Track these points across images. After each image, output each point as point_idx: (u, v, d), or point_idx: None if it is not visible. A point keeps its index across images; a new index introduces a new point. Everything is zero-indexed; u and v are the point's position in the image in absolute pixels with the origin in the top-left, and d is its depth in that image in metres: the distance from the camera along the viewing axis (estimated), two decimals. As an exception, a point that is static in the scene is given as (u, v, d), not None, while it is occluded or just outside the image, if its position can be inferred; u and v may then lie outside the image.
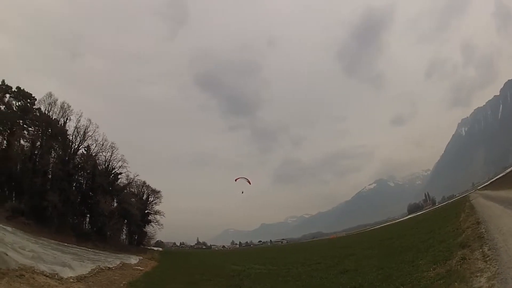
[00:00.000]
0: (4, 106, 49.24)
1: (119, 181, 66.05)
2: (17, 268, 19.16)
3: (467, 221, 23.11)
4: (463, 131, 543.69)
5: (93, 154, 58.12)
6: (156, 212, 75.71)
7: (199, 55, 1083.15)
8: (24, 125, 50.52)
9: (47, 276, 20.75)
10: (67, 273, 23.02)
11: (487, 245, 12.64)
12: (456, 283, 8.87)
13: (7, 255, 19.93)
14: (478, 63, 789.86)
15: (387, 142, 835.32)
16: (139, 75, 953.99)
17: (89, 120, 55.95)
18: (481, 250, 12.37)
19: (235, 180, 56.12)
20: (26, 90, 51.91)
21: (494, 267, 9.63)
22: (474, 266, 10.53)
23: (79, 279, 22.99)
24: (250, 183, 56.86)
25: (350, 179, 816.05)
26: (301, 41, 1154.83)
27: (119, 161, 63.11)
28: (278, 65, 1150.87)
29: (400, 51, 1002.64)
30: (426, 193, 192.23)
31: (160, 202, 76.61)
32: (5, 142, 47.90)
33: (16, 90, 50.98)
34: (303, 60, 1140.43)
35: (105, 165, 61.25)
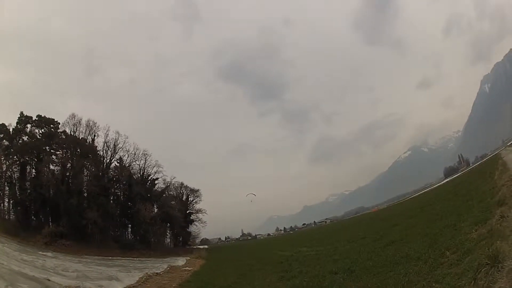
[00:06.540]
0: (27, 137, 50.27)
1: (156, 186, 66.20)
2: (61, 291, 18.94)
3: (502, 178, 23.60)
4: (487, 87, 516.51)
5: (127, 165, 58.70)
6: (198, 211, 75.38)
7: (217, 47, 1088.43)
8: (51, 150, 51.61)
9: (93, 293, 20.45)
10: (114, 286, 22.98)
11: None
12: (498, 242, 8.82)
13: (49, 280, 19.74)
14: (491, 16, 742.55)
15: (417, 107, 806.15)
16: (164, 78, 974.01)
17: (117, 132, 56.45)
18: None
19: (246, 196, 79.12)
20: (48, 116, 53.01)
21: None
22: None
23: (128, 289, 22.95)
24: (255, 195, 74.11)
25: (385, 150, 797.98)
26: (316, 16, 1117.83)
27: (154, 166, 63.12)
28: (298, 44, 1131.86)
29: (416, 12, 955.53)
30: (460, 155, 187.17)
31: (201, 200, 76.18)
32: (33, 170, 48.93)
33: (37, 118, 51.92)
34: (321, 35, 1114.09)
35: (140, 173, 61.73)
